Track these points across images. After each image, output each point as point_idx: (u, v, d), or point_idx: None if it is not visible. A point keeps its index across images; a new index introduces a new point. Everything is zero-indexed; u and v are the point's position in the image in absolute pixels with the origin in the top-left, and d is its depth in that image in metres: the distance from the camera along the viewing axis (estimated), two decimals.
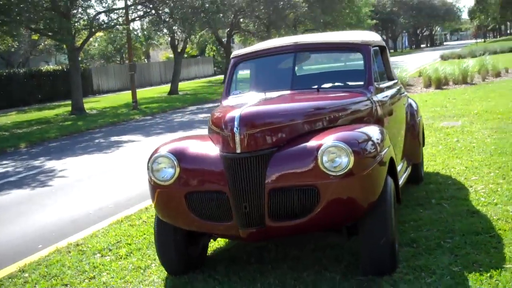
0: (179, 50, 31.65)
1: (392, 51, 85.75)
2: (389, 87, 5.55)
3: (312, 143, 3.87)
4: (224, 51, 39.81)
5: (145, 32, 35.75)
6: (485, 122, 10.26)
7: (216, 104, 9.20)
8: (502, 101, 12.69)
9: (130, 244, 5.48)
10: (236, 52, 5.61)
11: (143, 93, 31.49)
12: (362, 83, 4.99)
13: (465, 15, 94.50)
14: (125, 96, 28.58)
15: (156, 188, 4.13)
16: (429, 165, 7.33)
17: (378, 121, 4.76)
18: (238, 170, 3.82)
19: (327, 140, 3.80)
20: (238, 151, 3.80)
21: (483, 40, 76.35)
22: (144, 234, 5.73)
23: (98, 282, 4.65)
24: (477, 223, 4.96)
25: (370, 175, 3.85)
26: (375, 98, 4.90)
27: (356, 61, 5.43)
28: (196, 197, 3.97)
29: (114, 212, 6.96)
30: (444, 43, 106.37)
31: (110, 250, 5.41)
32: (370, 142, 4.01)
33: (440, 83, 18.32)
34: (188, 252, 4.47)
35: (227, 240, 5.09)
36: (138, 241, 5.54)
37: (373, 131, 4.20)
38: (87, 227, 6.38)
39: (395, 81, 6.06)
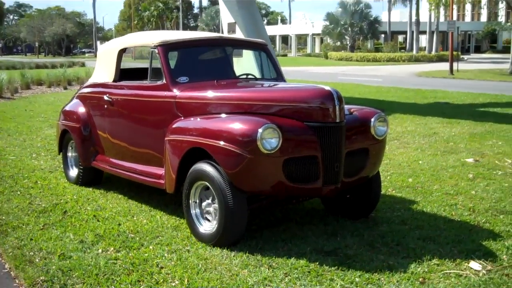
0: None
1: None
2: None
3: (363, 116, 5.09)
4: None
5: None
6: None
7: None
8: None
9: None
10: (163, 39, 5.72)
11: None
12: (276, 75, 6.32)
13: None
14: None
15: (258, 157, 4.46)
16: None
17: None
18: (334, 136, 4.67)
19: (372, 114, 5.09)
20: (338, 120, 4.66)
21: None
22: None
23: None
24: None
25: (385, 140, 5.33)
26: None
27: (262, 57, 6.37)
28: (292, 162, 4.55)
29: None
30: None
31: None
32: None
33: None
34: None
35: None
36: None
37: None
38: None
39: None
